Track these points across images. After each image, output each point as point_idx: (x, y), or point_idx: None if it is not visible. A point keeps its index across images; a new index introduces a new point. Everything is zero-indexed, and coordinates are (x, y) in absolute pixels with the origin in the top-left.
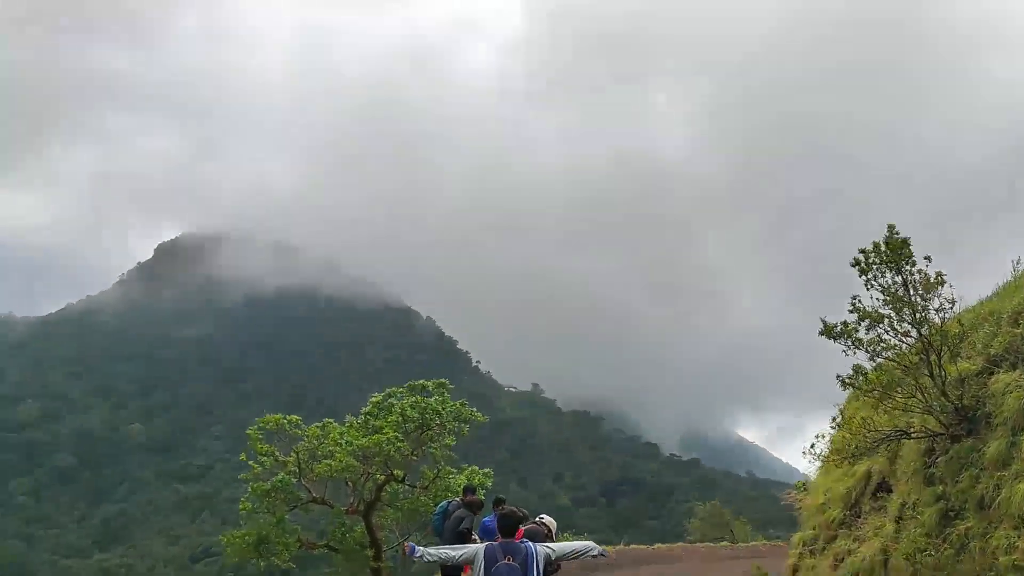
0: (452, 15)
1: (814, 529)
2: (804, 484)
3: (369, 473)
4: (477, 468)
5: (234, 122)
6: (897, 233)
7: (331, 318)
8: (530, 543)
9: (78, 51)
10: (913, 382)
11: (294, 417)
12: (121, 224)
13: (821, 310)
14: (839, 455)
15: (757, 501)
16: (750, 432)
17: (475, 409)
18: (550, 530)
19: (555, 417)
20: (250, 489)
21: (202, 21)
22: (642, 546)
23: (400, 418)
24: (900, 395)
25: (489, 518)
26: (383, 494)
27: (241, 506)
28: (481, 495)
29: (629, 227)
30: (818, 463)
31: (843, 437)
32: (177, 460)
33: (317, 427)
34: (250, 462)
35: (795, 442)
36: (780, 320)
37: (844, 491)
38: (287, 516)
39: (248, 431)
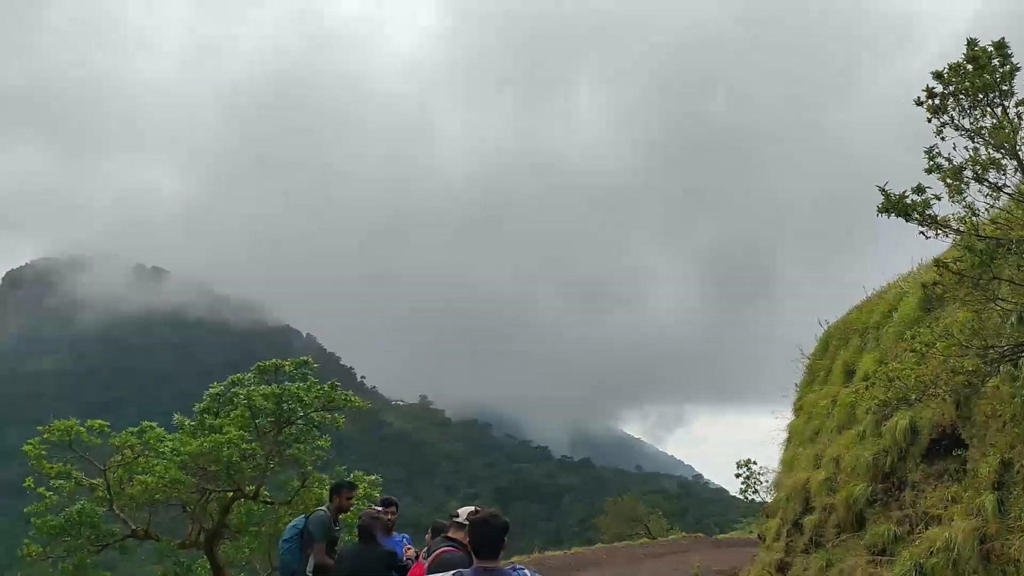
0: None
1: (816, 513)
2: (748, 462)
3: (208, 490)
4: (361, 473)
5: (111, 132)
6: (978, 45)
7: (203, 340)
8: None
9: None
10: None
11: (96, 422)
12: None
13: (710, 308)
14: (883, 405)
15: (649, 496)
16: (632, 427)
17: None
18: None
19: (445, 428)
20: (34, 526)
21: (74, 16)
22: (557, 552)
23: (247, 411)
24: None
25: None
26: (230, 516)
27: (26, 551)
28: (365, 505)
29: (525, 227)
30: (784, 433)
31: (879, 375)
32: (34, 503)
33: (131, 433)
34: (39, 489)
35: (675, 433)
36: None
37: (870, 457)
38: (91, 560)
39: (25, 447)
